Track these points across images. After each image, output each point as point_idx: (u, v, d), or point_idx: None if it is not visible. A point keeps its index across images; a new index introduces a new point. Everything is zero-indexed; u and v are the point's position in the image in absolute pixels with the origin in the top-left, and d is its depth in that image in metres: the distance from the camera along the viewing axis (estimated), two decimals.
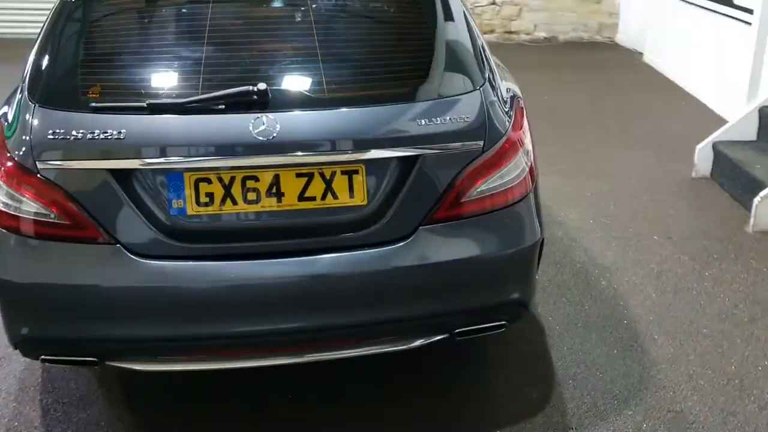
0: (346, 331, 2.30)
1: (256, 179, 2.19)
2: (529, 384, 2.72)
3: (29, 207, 2.16)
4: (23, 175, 2.16)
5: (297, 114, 2.22)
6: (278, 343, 2.30)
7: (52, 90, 2.28)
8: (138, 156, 2.14)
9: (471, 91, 2.35)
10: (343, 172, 2.22)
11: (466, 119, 2.29)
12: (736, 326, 3.10)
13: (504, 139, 2.33)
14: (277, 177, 2.19)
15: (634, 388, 2.69)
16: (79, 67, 2.35)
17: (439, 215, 2.27)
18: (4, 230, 2.19)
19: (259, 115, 2.16)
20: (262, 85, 2.18)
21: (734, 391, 2.68)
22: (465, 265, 2.29)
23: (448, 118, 2.27)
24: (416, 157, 2.23)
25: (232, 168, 2.16)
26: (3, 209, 2.19)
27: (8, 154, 2.18)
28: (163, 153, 2.14)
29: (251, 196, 2.19)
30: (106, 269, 2.17)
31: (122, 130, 2.14)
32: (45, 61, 2.34)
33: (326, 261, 2.22)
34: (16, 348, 2.32)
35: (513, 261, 2.36)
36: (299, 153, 2.17)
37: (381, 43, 2.56)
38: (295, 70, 2.38)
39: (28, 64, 2.37)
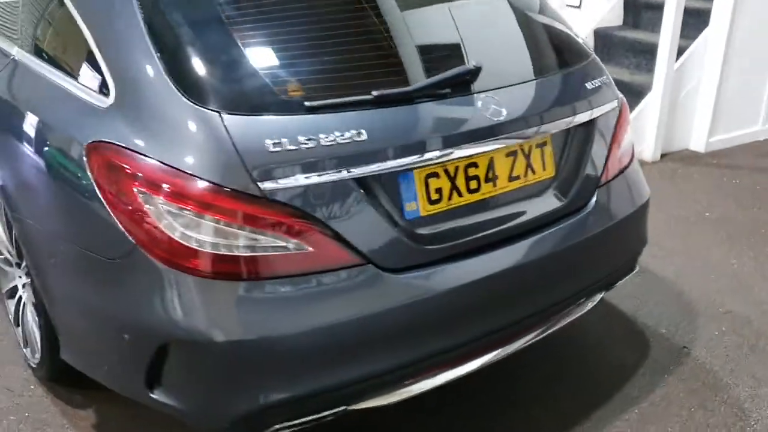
0: (558, 307, 2.26)
1: (476, 165, 2.03)
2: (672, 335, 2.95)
3: (255, 242, 1.72)
4: (242, 203, 1.70)
5: (508, 90, 2.09)
6: (508, 334, 2.16)
7: (241, 92, 1.80)
8: (383, 158, 1.83)
9: (593, 56, 2.45)
10: (537, 146, 2.17)
11: (606, 81, 2.39)
12: None
13: (621, 100, 2.48)
14: (492, 160, 2.06)
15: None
16: (256, 56, 1.86)
17: (604, 177, 2.35)
18: (218, 279, 1.72)
19: (483, 95, 2.01)
20: (476, 63, 2.02)
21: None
22: (629, 220, 2.41)
23: (600, 80, 2.36)
24: (592, 120, 2.27)
25: (461, 157, 1.98)
26: (210, 251, 1.71)
27: (203, 181, 1.69)
28: (404, 151, 1.86)
29: (473, 184, 2.03)
30: (363, 294, 1.83)
31: (361, 130, 1.81)
32: (198, 53, 1.83)
33: (547, 239, 2.15)
34: (231, 428, 1.82)
35: (645, 211, 2.54)
36: (521, 131, 2.07)
37: (539, 13, 2.48)
38: (486, 45, 2.20)
39: (144, 59, 1.82)
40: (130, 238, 1.75)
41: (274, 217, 1.72)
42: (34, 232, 2.08)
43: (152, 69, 1.81)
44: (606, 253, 2.36)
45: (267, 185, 1.71)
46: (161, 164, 1.73)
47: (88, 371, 2.13)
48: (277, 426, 1.85)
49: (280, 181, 1.72)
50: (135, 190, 1.74)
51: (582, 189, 2.26)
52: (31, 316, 2.42)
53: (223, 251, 1.70)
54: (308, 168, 1.74)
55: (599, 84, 2.35)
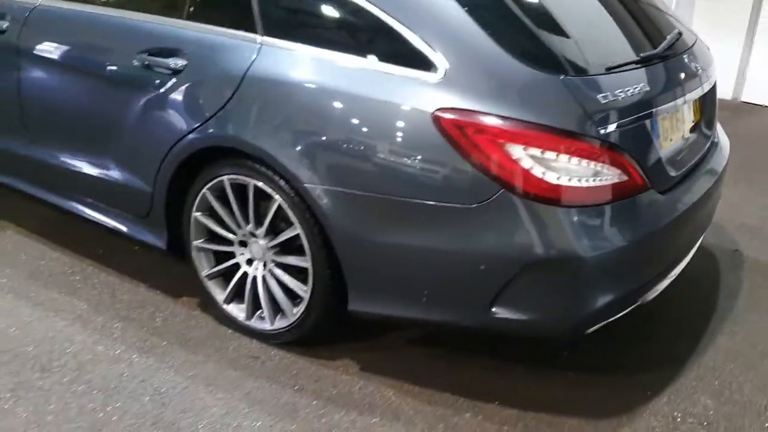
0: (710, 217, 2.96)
1: (677, 110, 2.64)
2: None
3: (600, 175, 2.21)
4: (592, 145, 2.19)
5: (690, 52, 2.73)
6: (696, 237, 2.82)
7: (571, 60, 2.32)
8: (653, 104, 2.40)
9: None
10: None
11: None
12: None
13: None
14: (685, 107, 2.69)
15: None
16: (573, 31, 2.43)
17: (716, 119, 3.08)
18: (575, 207, 2.19)
19: (685, 55, 2.63)
20: (677, 31, 2.64)
21: None
22: (728, 155, 3.14)
23: (707, 45, 3.08)
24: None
25: (677, 104, 2.58)
26: (569, 185, 2.17)
27: (562, 131, 2.16)
28: (659, 99, 2.45)
29: (678, 126, 2.65)
30: (654, 211, 2.38)
31: (643, 83, 2.36)
32: (530, 30, 2.36)
33: (714, 163, 2.85)
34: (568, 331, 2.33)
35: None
36: (702, 84, 2.73)
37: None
38: (662, 18, 2.85)
39: (474, 38, 2.24)
40: (495, 183, 2.15)
41: (611, 154, 2.22)
42: (351, 200, 2.33)
43: (486, 46, 2.21)
44: (723, 179, 3.09)
45: (603, 130, 2.20)
46: (521, 121, 2.15)
47: (397, 310, 2.43)
48: (597, 326, 2.35)
49: (610, 125, 2.22)
50: (500, 143, 2.14)
51: (713, 128, 2.97)
52: (277, 288, 2.64)
53: (578, 184, 2.17)
54: (624, 113, 2.27)
55: (709, 48, 3.07)
